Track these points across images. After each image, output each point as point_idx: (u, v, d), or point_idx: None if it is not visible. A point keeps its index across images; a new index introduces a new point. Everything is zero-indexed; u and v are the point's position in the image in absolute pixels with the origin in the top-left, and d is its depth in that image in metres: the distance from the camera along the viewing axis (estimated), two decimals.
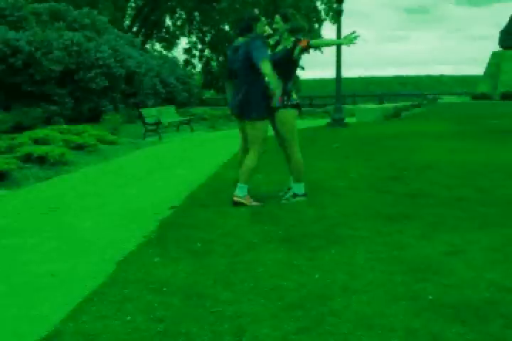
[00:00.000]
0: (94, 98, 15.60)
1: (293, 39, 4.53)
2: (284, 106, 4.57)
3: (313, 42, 4.61)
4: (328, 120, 14.14)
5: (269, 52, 4.57)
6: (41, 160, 7.21)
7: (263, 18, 4.72)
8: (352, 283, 2.81)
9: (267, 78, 4.49)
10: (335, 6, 14.65)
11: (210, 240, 3.63)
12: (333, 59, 14.07)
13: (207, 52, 33.73)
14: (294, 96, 4.63)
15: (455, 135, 10.57)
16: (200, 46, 33.66)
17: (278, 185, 5.43)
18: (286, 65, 4.58)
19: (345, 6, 14.10)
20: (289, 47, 4.53)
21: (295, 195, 4.79)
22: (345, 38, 4.58)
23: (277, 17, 4.59)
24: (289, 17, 4.55)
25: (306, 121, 16.27)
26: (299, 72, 30.06)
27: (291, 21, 4.53)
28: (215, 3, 29.36)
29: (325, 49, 31.30)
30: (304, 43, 4.49)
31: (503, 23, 34.09)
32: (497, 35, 35.23)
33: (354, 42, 4.43)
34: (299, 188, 4.80)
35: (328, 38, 4.80)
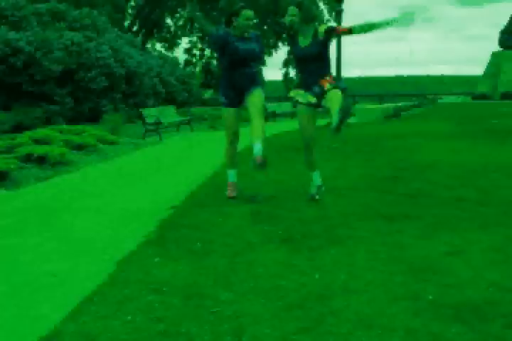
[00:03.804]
0: (94, 98, 15.62)
1: (325, 28, 4.27)
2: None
3: (356, 28, 4.09)
4: (327, 120, 14.11)
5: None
6: (41, 160, 7.21)
7: (244, 12, 4.55)
8: (352, 283, 2.81)
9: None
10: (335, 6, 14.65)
11: (210, 240, 3.63)
12: (333, 59, 14.09)
13: (207, 51, 33.73)
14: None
15: (455, 135, 10.57)
16: (200, 46, 33.66)
17: (278, 185, 5.42)
18: (324, 58, 4.37)
19: (343, 6, 14.09)
20: (321, 38, 4.26)
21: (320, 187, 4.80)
22: (403, 14, 3.93)
23: (293, 8, 4.28)
24: (305, 6, 4.26)
25: None
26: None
27: (307, 10, 4.26)
28: (215, 3, 29.36)
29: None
30: (343, 30, 4.18)
31: (503, 23, 34.16)
32: (497, 35, 35.27)
33: (413, 21, 3.87)
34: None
35: (373, 20, 3.87)
